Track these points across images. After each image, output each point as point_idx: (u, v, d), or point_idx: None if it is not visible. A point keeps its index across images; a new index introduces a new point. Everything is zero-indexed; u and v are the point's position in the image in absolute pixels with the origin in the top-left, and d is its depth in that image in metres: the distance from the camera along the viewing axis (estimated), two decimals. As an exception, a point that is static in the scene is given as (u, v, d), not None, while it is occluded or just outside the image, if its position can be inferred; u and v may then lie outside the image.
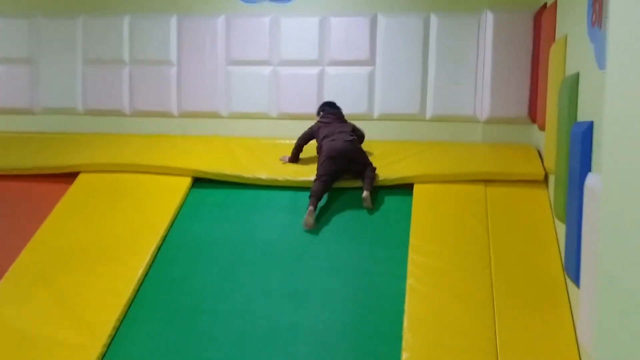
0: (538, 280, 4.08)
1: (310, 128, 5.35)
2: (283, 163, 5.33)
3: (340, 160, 4.95)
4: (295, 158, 5.34)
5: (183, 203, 5.03)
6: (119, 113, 6.13)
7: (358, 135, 5.24)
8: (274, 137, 5.76)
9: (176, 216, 4.90)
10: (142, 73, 6.07)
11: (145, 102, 6.09)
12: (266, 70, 5.93)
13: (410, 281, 4.14)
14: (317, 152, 5.17)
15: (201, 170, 5.21)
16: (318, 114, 5.43)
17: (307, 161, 5.31)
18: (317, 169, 5.00)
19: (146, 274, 4.38)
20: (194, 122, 6.05)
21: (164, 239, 4.69)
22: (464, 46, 5.64)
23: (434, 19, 5.68)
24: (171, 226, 4.80)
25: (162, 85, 6.06)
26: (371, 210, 4.86)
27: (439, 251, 4.35)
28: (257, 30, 5.91)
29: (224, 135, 5.88)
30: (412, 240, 4.45)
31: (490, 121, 5.61)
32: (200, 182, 5.25)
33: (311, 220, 4.70)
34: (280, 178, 5.14)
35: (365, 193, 4.84)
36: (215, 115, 6.03)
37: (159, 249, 4.60)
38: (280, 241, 4.67)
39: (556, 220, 4.35)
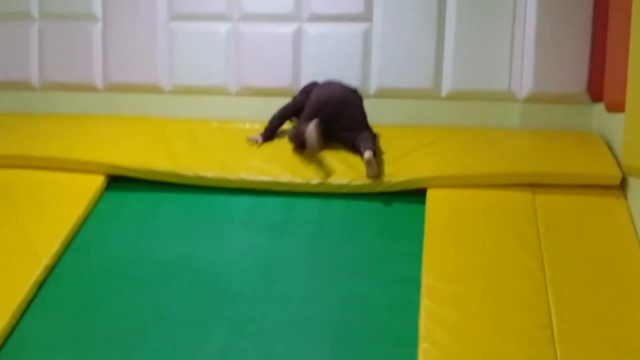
0: (628, 349, 2.52)
1: (295, 97, 3.96)
2: (252, 144, 3.81)
3: (333, 106, 3.69)
4: (269, 136, 3.85)
5: (88, 214, 3.44)
6: (24, 86, 4.51)
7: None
8: (230, 120, 4.14)
9: (75, 234, 3.31)
10: (56, 31, 4.45)
11: (60, 71, 4.46)
12: (223, 27, 4.32)
13: (424, 346, 2.56)
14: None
15: (118, 165, 3.61)
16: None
17: (275, 155, 3.71)
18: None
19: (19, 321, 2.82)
20: (124, 99, 4.43)
21: (52, 269, 3.11)
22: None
23: (455, -42, 4.07)
24: (65, 250, 3.21)
25: (82, 48, 4.43)
26: (365, 228, 3.30)
27: (466, 298, 2.78)
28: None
29: (163, 116, 4.27)
30: (426, 279, 2.88)
31: (532, 99, 4.01)
32: (117, 181, 3.67)
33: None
34: (233, 177, 3.55)
35: (367, 153, 3.44)
36: (153, 89, 4.41)
37: (40, 285, 3.02)
38: (229, 272, 3.11)
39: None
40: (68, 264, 3.14)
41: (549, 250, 3.00)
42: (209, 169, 3.56)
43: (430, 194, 3.39)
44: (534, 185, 3.35)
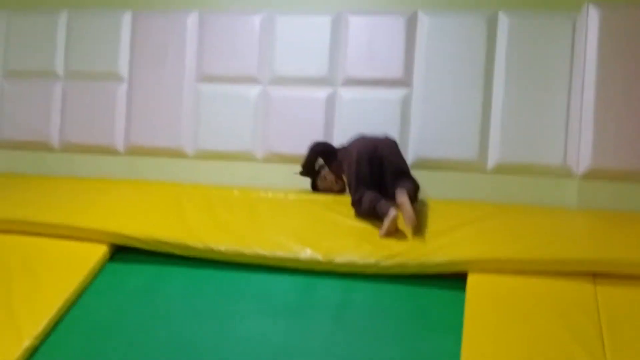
0: None
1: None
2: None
3: (373, 157, 3.40)
4: (309, 172, 3.71)
5: (86, 287, 3.09)
6: (43, 146, 4.31)
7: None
8: (253, 188, 3.79)
9: (67, 311, 2.95)
10: (80, 91, 4.27)
11: (82, 132, 4.26)
12: (253, 90, 4.05)
13: None
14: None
15: (122, 233, 3.27)
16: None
17: (297, 228, 3.32)
18: (350, 185, 3.44)
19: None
20: (146, 162, 4.18)
21: (34, 351, 2.74)
22: (551, 59, 3.66)
23: (503, 20, 3.73)
24: (53, 330, 2.84)
25: (106, 109, 4.23)
26: (394, 316, 2.83)
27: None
28: (242, 33, 4.06)
29: (185, 181, 3.97)
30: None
31: (591, 175, 3.55)
32: (123, 252, 3.32)
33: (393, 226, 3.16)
34: (248, 251, 3.16)
35: (400, 194, 3.18)
36: (176, 154, 4.14)
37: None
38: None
39: None
40: (53, 346, 2.76)
41: (614, 352, 2.47)
42: (223, 242, 3.18)
43: (472, 280, 2.92)
44: (595, 275, 2.85)
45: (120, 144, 4.21)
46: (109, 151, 4.22)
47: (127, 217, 3.36)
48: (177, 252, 3.21)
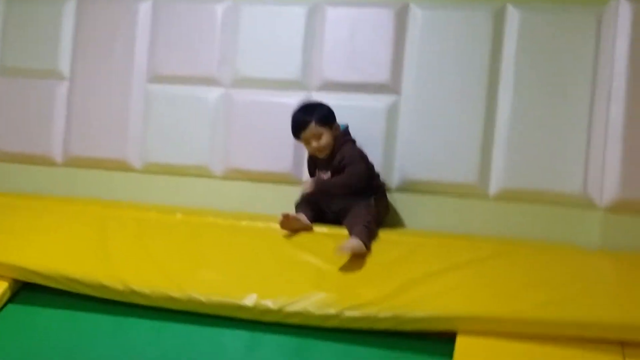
0: None
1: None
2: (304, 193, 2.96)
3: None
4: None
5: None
6: (-31, 154, 3.69)
7: None
8: (202, 211, 3.13)
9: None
10: (14, 90, 3.64)
11: (14, 139, 3.63)
12: (212, 93, 3.41)
13: None
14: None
15: (27, 268, 2.62)
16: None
17: (246, 267, 2.65)
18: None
19: None
20: (88, 176, 3.54)
21: None
22: (570, 63, 2.98)
23: (513, 14, 3.06)
24: None
25: (43, 112, 3.60)
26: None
27: None
28: (201, 26, 3.43)
29: (129, 200, 3.34)
30: None
31: (619, 208, 2.86)
32: (29, 289, 2.67)
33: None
34: (178, 295, 2.48)
35: (350, 244, 2.62)
36: (122, 167, 3.50)
37: None
38: None
39: None
40: None
41: None
42: (148, 282, 2.52)
43: (461, 343, 2.24)
44: (623, 343, 2.15)
45: (58, 154, 3.57)
46: (45, 161, 3.58)
47: (36, 247, 2.71)
48: (92, 293, 2.55)
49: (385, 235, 2.80)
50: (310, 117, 2.91)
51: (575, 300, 2.28)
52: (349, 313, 2.36)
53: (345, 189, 2.86)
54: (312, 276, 2.52)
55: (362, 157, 2.96)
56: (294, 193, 3.04)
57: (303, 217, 2.84)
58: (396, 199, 3.11)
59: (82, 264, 2.62)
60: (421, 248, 2.70)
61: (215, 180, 3.38)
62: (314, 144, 2.91)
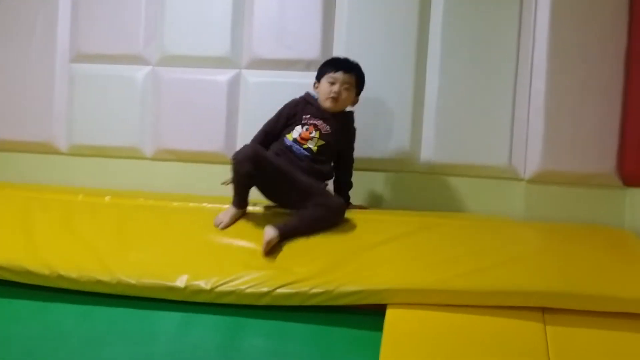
0: None
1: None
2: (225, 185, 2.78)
3: None
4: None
5: None
6: None
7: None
8: (132, 193, 3.08)
9: None
10: None
11: None
12: (139, 72, 3.33)
13: None
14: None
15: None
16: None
17: (174, 247, 2.62)
18: None
19: None
20: (12, 160, 3.42)
21: None
22: (494, 39, 3.04)
23: (439, -11, 3.10)
24: None
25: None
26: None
27: None
28: (126, 2, 3.33)
29: (56, 184, 3.25)
30: None
31: (541, 179, 2.96)
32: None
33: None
34: (107, 279, 2.44)
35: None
36: (47, 149, 3.40)
37: None
38: None
39: None
40: None
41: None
42: (76, 267, 2.46)
43: (391, 315, 2.28)
44: (545, 310, 2.24)
45: (-23, 137, 3.44)
46: (-34, 146, 3.44)
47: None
48: (17, 279, 2.48)
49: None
50: (356, 70, 2.82)
51: (499, 269, 2.36)
52: (282, 290, 2.37)
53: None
54: (245, 256, 2.51)
55: None
56: (226, 172, 3.01)
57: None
58: (328, 176, 3.12)
59: (6, 250, 2.53)
60: (351, 224, 2.72)
61: (146, 162, 3.33)
62: (336, 88, 2.76)
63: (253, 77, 3.25)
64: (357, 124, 2.97)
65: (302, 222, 2.60)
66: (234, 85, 3.25)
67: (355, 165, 2.99)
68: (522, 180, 2.99)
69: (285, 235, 2.54)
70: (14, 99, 3.40)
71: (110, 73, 3.33)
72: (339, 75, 2.77)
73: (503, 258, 2.44)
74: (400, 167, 3.12)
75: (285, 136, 2.78)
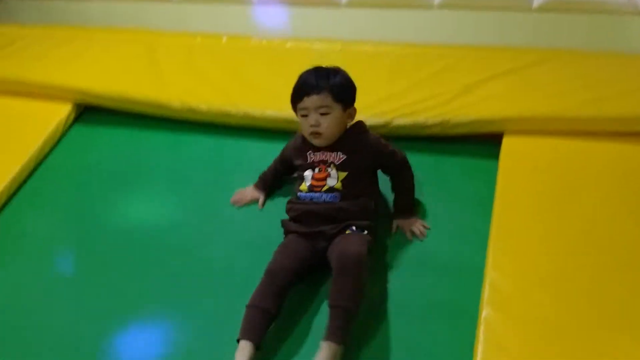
0: None
1: None
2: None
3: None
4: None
5: (48, 151, 2.63)
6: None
7: None
8: (246, 35, 3.14)
9: (26, 176, 2.51)
10: None
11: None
12: None
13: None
14: None
15: (88, 91, 2.75)
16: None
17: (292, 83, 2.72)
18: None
19: None
20: (121, 7, 3.54)
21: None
22: None
23: None
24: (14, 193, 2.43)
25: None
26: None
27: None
28: None
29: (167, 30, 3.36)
30: (492, 274, 1.89)
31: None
32: (91, 112, 2.82)
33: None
34: (234, 111, 2.60)
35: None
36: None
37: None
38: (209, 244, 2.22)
39: None
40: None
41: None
42: (204, 99, 2.63)
43: (508, 143, 2.35)
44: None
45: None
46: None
47: (94, 72, 2.82)
48: (151, 111, 2.69)
49: (427, 50, 2.81)
50: (324, 83, 2.09)
51: (620, 99, 2.35)
52: (398, 121, 2.46)
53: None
54: (364, 91, 2.55)
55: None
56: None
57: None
58: (437, 16, 3.10)
59: (139, 85, 2.73)
60: (465, 61, 2.72)
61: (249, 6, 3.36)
62: (312, 119, 2.08)
63: None
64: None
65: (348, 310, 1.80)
66: None
67: (464, 3, 2.93)
68: (643, 14, 2.87)
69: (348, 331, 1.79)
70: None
71: None
72: (306, 102, 2.08)
73: (621, 88, 2.42)
74: (511, 5, 3.04)
75: (298, 192, 2.12)
